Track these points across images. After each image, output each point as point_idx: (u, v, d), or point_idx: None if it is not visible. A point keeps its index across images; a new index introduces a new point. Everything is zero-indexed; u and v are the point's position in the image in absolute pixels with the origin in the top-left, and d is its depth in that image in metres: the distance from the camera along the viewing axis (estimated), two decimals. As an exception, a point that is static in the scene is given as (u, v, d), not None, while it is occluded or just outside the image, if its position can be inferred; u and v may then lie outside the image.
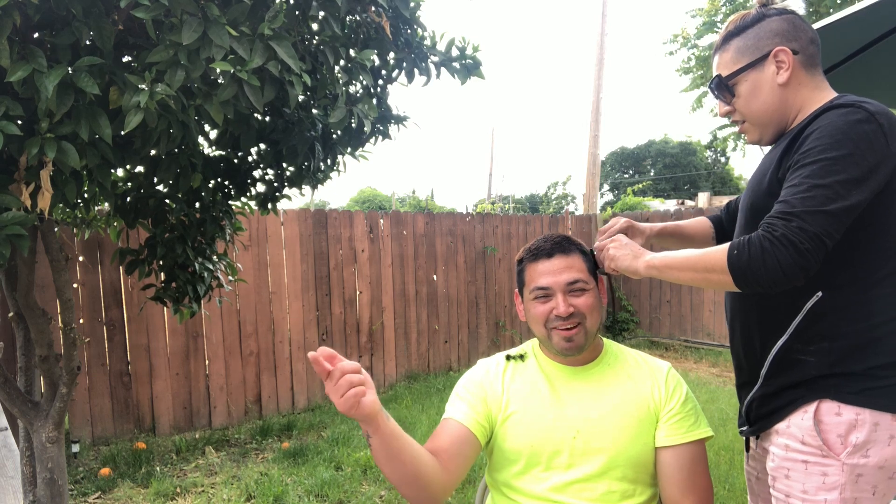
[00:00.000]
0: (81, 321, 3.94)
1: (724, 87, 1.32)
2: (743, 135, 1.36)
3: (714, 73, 1.35)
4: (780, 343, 1.21)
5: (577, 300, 1.32)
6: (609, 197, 26.29)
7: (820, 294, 1.16)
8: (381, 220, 5.53)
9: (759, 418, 1.28)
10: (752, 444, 1.37)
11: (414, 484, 1.17)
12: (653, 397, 1.35)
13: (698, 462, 1.32)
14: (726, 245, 1.11)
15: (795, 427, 1.18)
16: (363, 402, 1.01)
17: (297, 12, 1.59)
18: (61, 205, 2.03)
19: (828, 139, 1.09)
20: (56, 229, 2.03)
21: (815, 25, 1.75)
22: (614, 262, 1.31)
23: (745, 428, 1.34)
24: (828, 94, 1.25)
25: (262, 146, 2.17)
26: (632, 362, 1.41)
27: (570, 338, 1.31)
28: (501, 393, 1.38)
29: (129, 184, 2.20)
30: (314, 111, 2.03)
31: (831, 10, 5.21)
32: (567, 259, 1.35)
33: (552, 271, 1.34)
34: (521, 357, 1.44)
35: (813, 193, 1.06)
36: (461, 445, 1.29)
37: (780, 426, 1.21)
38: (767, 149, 1.35)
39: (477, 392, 1.38)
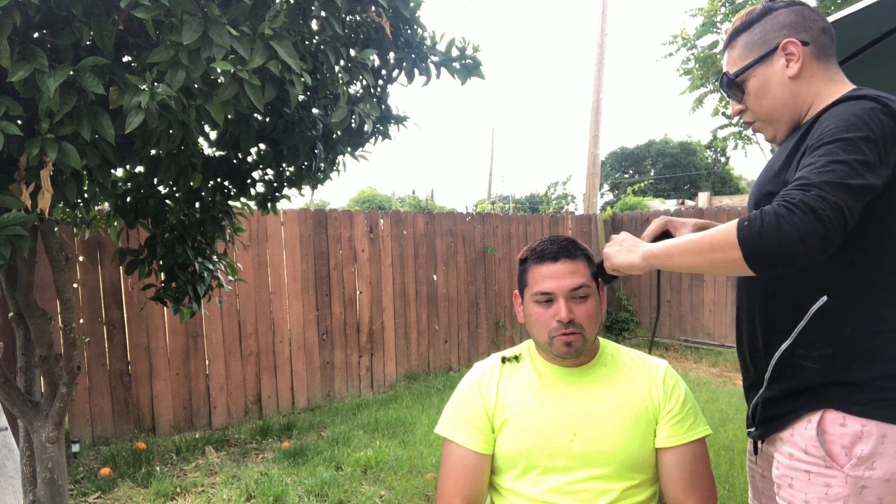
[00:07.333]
0: (81, 321, 3.93)
1: (733, 85, 1.27)
2: (756, 133, 1.32)
3: (723, 72, 1.32)
4: (783, 347, 1.17)
5: (579, 308, 1.31)
6: (609, 197, 26.24)
7: (825, 298, 1.12)
8: (381, 220, 5.53)
9: (763, 422, 1.26)
10: (759, 445, 1.35)
11: None
12: (650, 398, 1.34)
13: (700, 461, 1.32)
14: (734, 220, 1.04)
15: (799, 436, 1.15)
16: None
17: (297, 12, 1.59)
18: (61, 205, 2.03)
19: (843, 123, 1.05)
20: (56, 229, 2.02)
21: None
22: (609, 261, 1.28)
23: (752, 430, 1.32)
24: (843, 87, 1.19)
25: (262, 146, 2.17)
26: (628, 362, 1.41)
27: (569, 342, 1.31)
28: (496, 398, 1.38)
29: (129, 184, 2.20)
30: (314, 111, 2.02)
31: (831, 9, 5.22)
32: (572, 264, 1.33)
33: (557, 275, 1.32)
34: (517, 358, 1.44)
35: (832, 168, 0.99)
36: (481, 476, 1.36)
37: (784, 434, 1.19)
38: (769, 152, 1.33)
39: (477, 406, 1.39)
